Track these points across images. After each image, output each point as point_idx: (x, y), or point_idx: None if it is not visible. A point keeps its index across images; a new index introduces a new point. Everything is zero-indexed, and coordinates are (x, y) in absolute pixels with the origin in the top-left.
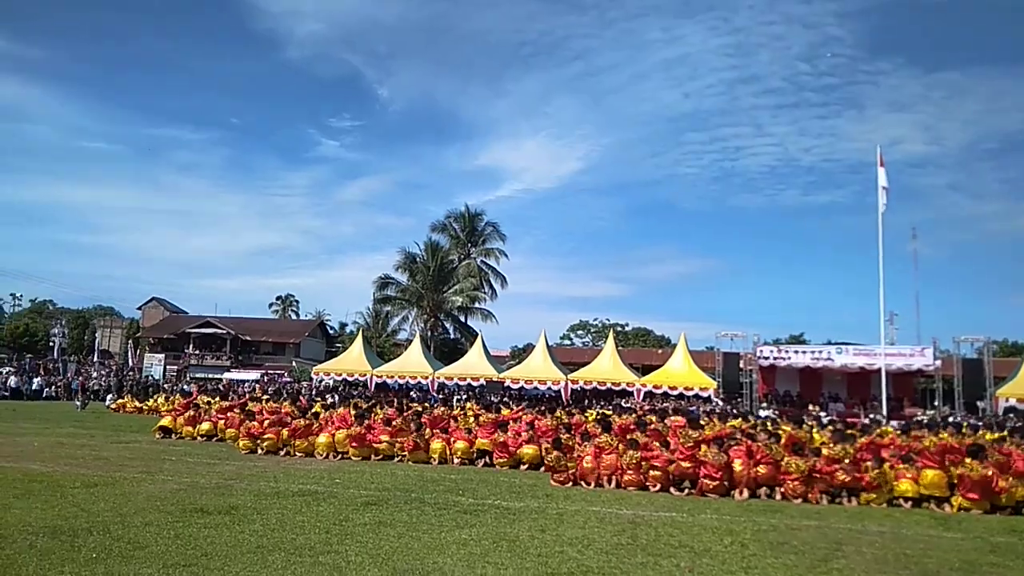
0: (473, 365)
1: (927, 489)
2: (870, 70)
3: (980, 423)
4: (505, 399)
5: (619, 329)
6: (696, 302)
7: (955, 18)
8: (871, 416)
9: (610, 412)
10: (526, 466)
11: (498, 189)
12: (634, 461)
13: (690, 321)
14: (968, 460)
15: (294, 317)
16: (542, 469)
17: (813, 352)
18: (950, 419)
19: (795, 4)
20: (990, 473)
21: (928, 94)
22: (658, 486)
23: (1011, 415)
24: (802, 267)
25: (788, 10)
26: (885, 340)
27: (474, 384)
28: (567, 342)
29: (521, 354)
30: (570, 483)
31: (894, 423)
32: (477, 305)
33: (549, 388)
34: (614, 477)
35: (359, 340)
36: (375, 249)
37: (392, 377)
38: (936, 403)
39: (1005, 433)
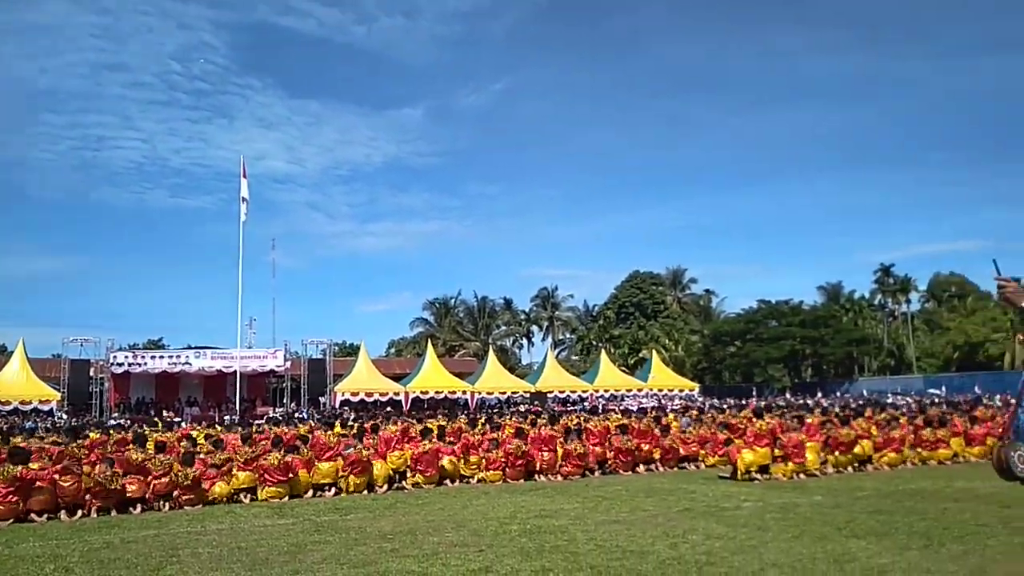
0: None
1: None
2: (241, 84)
3: (320, 416)
4: None
5: None
6: (43, 304)
7: (309, 53)
8: (226, 417)
9: None
10: None
11: None
12: None
13: (33, 326)
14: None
15: None
16: None
17: (171, 357)
18: (296, 415)
19: (170, 1)
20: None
21: (292, 117)
22: None
23: (346, 407)
24: (166, 270)
25: (163, 5)
26: (244, 343)
27: None
28: None
29: None
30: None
31: (260, 422)
32: None
33: None
34: None
35: None
36: None
37: None
38: (285, 400)
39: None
